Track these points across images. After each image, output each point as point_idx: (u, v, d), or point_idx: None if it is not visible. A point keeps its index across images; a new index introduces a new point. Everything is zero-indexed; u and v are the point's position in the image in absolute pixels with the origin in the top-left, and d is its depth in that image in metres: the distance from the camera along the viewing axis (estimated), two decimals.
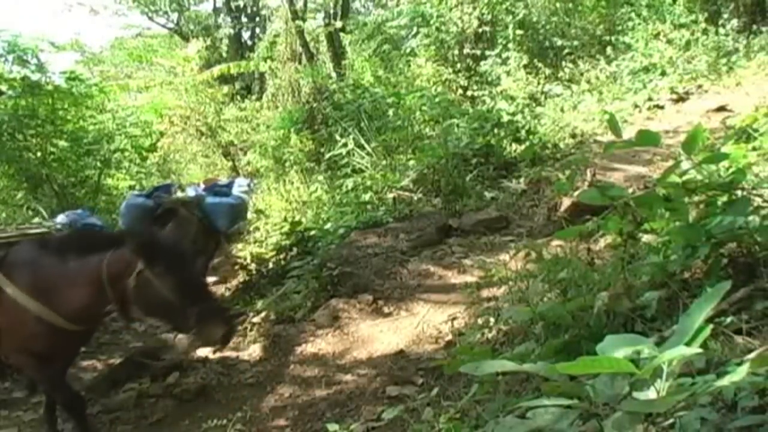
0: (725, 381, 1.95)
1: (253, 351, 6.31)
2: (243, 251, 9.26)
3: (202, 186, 8.69)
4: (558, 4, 17.56)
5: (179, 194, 8.04)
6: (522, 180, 9.60)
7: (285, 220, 9.24)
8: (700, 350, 2.02)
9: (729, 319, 2.85)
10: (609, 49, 15.96)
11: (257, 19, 27.39)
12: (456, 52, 15.97)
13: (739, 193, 3.34)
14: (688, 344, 2.00)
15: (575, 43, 16.69)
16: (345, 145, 11.69)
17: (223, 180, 9.18)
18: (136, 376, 6.16)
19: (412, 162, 10.27)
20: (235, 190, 8.35)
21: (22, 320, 4.69)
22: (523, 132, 11.17)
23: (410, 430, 3.44)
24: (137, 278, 4.52)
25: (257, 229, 9.95)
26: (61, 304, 4.67)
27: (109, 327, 7.63)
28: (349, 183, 10.39)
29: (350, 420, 4.28)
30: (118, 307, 4.73)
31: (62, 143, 10.71)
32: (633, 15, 16.50)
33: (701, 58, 14.80)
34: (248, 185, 8.75)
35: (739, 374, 1.92)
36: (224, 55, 23.27)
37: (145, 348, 6.76)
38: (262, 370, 5.96)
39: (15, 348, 4.90)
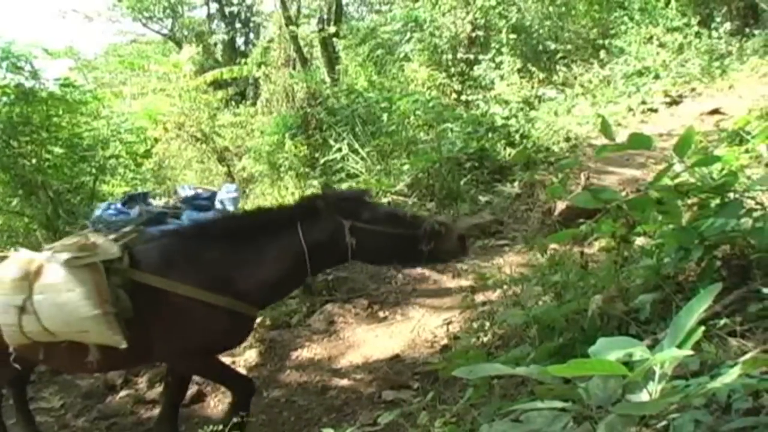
0: (718, 383, 1.95)
1: (249, 356, 6.31)
2: None
3: (193, 187, 8.22)
4: (551, 8, 17.63)
5: (155, 203, 7.57)
6: (516, 184, 9.62)
7: None
8: (691, 352, 2.02)
9: (723, 322, 2.86)
10: (602, 53, 16.03)
11: (251, 24, 27.45)
12: (449, 56, 16.01)
13: (731, 195, 3.36)
14: (680, 346, 2.01)
15: (569, 47, 16.79)
16: (339, 149, 11.69)
17: (206, 191, 8.17)
18: (132, 383, 6.16)
19: (406, 166, 10.27)
20: (223, 196, 7.78)
21: (204, 318, 4.46)
22: (517, 136, 11.21)
23: None
24: (354, 234, 4.49)
25: None
26: (250, 291, 4.52)
27: None
28: (344, 188, 10.39)
29: (346, 425, 4.28)
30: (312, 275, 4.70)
31: (57, 150, 10.67)
32: (626, 19, 16.59)
33: (694, 61, 14.89)
34: (236, 191, 8.29)
35: (732, 376, 1.92)
36: (219, 60, 23.28)
37: None
38: (257, 376, 5.97)
39: (189, 350, 4.61)
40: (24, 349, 4.40)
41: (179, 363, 4.77)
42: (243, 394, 4.72)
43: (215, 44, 25.42)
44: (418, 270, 7.44)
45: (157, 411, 5.61)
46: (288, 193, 11.78)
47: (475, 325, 5.52)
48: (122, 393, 6.02)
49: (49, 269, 4.26)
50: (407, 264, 5.42)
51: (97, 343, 4.31)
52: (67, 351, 4.38)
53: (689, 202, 3.50)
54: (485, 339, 5.03)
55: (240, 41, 27.58)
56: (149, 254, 4.55)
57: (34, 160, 10.32)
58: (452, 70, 15.78)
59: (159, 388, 5.91)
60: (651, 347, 2.11)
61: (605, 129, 3.55)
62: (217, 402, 5.69)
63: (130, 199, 7.18)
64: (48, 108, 10.34)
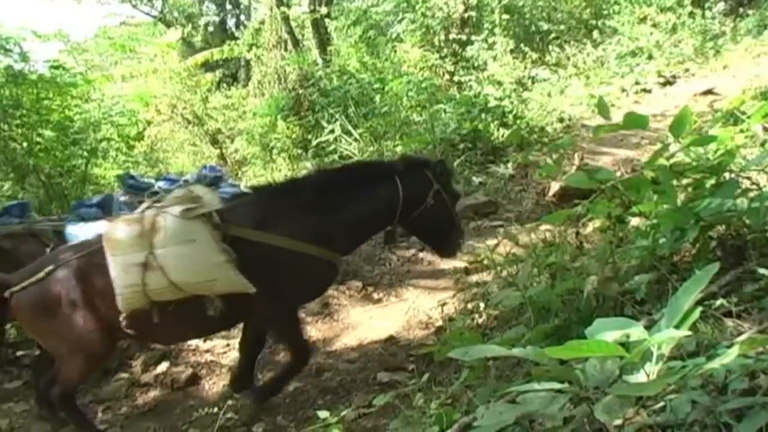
0: (715, 363, 1.95)
1: None
2: None
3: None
4: None
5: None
6: (510, 165, 9.62)
7: None
8: (688, 333, 2.02)
9: (719, 302, 2.85)
10: (595, 33, 16.00)
11: (241, 6, 27.32)
12: (442, 37, 15.94)
13: (727, 175, 3.35)
14: (677, 327, 2.01)
15: (561, 27, 16.76)
16: (332, 131, 11.67)
17: (96, 196, 6.88)
18: (127, 365, 6.14)
19: (399, 148, 10.25)
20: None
21: (313, 271, 4.68)
22: (510, 117, 11.18)
23: (401, 417, 3.43)
24: (434, 197, 4.90)
25: None
26: (339, 238, 4.76)
27: None
28: None
29: (341, 407, 4.27)
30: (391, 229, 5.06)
31: (48, 133, 10.62)
32: None
33: (688, 41, 14.89)
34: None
35: (728, 356, 1.92)
36: (209, 42, 23.17)
37: None
38: None
39: (296, 304, 4.94)
40: (138, 314, 4.31)
41: (273, 319, 4.83)
42: (301, 362, 4.93)
43: (206, 25, 25.27)
44: (412, 252, 7.45)
45: (152, 394, 5.63)
46: (281, 175, 11.74)
47: (469, 306, 5.52)
48: (117, 377, 6.00)
49: (165, 223, 4.25)
50: (435, 246, 5.52)
51: (221, 293, 4.35)
52: (184, 309, 4.37)
53: (684, 182, 3.49)
54: (480, 320, 5.03)
55: (231, 23, 27.45)
56: (239, 210, 4.65)
57: (25, 144, 10.27)
58: (445, 50, 15.73)
59: (154, 372, 5.91)
60: (647, 328, 2.10)
61: (602, 108, 3.54)
62: (212, 384, 5.69)
63: (5, 212, 6.25)
64: (38, 91, 10.28)
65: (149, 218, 4.29)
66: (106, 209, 6.18)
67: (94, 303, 4.38)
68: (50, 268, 4.38)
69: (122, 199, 6.61)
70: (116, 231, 4.30)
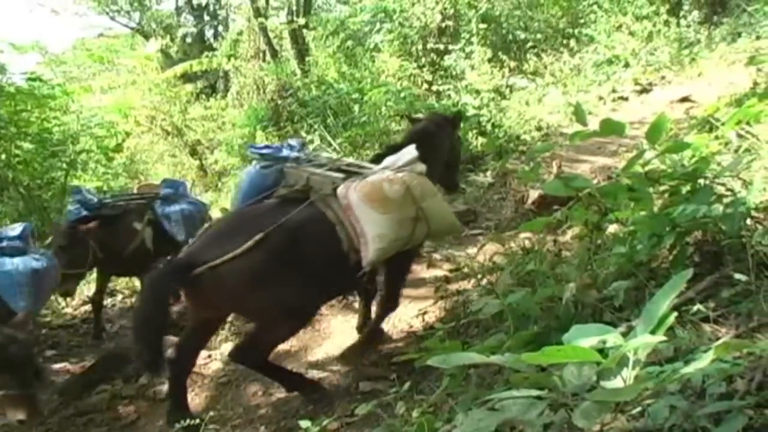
0: (692, 368, 1.98)
1: (225, 350, 6.28)
2: None
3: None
4: None
5: None
6: (489, 173, 9.65)
7: None
8: (664, 338, 2.04)
9: (696, 308, 2.88)
10: (572, 42, 16.06)
11: (219, 17, 27.27)
12: (420, 46, 15.95)
13: (702, 182, 3.38)
14: (652, 332, 2.03)
15: (538, 36, 16.81)
16: (311, 141, 11.66)
17: (16, 226, 6.05)
18: (109, 378, 6.12)
19: None
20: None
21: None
22: (488, 125, 11.22)
23: (383, 425, 3.45)
24: (456, 143, 6.41)
25: None
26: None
27: (80, 329, 7.60)
28: None
29: (324, 416, 4.27)
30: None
31: (27, 145, 10.59)
32: (595, 7, 16.64)
33: (664, 49, 14.97)
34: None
35: (705, 361, 1.95)
36: (188, 53, 23.13)
37: (117, 350, 6.71)
38: (234, 369, 5.94)
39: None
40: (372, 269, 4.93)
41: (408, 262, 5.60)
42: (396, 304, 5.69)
43: (184, 37, 25.22)
44: None
45: (134, 406, 5.61)
46: None
47: (450, 314, 5.54)
48: (99, 389, 5.98)
49: (416, 181, 4.76)
50: (450, 184, 6.48)
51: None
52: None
53: (661, 189, 3.53)
54: (461, 328, 5.04)
55: (209, 34, 27.38)
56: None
57: (3, 156, 10.23)
58: (423, 60, 15.73)
59: (136, 384, 5.90)
60: (625, 334, 2.13)
61: (578, 115, 3.57)
62: (194, 396, 5.67)
63: None
64: (16, 103, 10.26)
65: (397, 178, 4.73)
66: (24, 239, 5.76)
67: (321, 263, 4.69)
68: (259, 237, 4.47)
69: (72, 208, 6.97)
70: (386, 190, 4.65)
